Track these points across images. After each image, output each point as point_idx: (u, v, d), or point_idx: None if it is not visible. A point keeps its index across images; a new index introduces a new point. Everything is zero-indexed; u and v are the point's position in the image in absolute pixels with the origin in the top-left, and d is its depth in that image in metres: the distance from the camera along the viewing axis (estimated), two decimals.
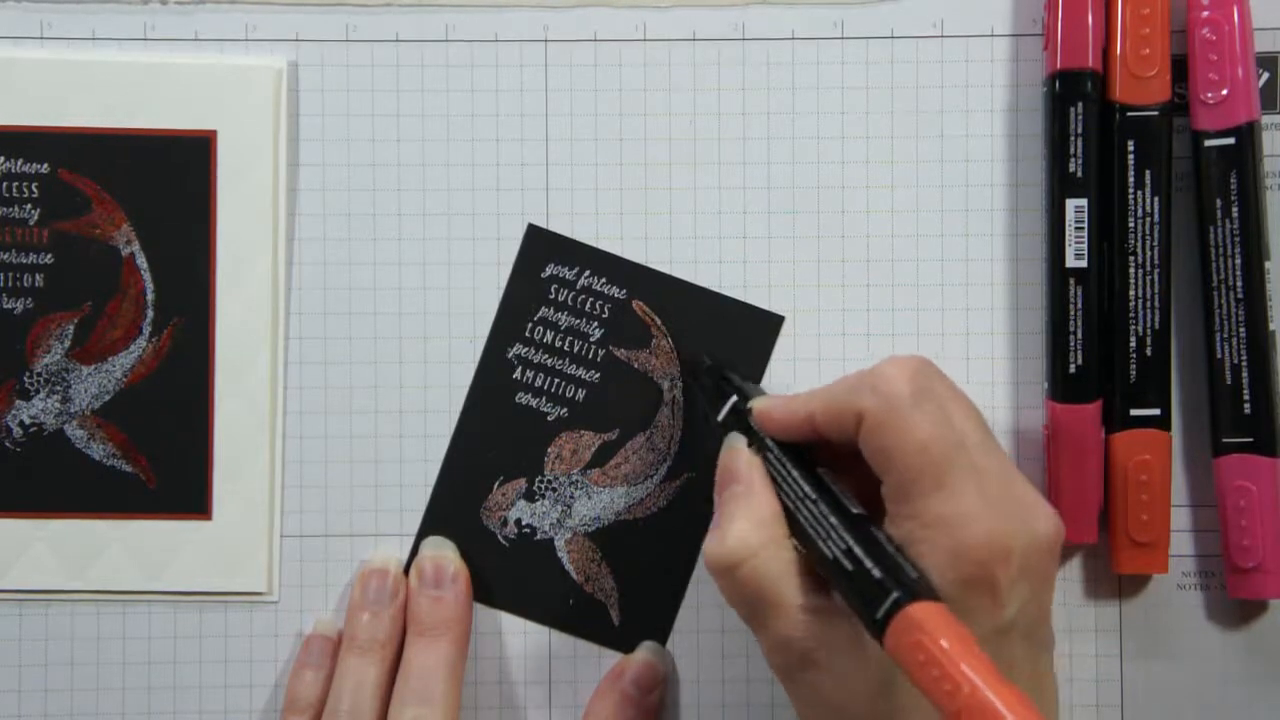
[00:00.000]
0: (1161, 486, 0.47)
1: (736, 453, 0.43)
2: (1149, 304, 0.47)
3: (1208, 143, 0.47)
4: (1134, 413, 0.47)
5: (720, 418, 0.45)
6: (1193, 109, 0.47)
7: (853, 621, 0.39)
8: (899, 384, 0.39)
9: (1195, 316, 0.48)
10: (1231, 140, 0.46)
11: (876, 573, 0.37)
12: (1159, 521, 0.47)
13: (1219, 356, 0.47)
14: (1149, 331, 0.47)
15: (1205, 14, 0.46)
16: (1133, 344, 0.47)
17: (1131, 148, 0.47)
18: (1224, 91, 0.46)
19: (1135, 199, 0.47)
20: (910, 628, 0.35)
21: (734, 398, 0.44)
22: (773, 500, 0.42)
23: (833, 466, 0.42)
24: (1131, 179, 0.47)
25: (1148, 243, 0.47)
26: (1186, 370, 0.48)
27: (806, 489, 0.41)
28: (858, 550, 0.38)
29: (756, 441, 0.43)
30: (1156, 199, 0.47)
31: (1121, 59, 0.46)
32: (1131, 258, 0.47)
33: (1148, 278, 0.47)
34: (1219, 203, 0.47)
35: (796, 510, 0.41)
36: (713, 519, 0.42)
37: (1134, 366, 0.47)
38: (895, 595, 0.36)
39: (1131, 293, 0.47)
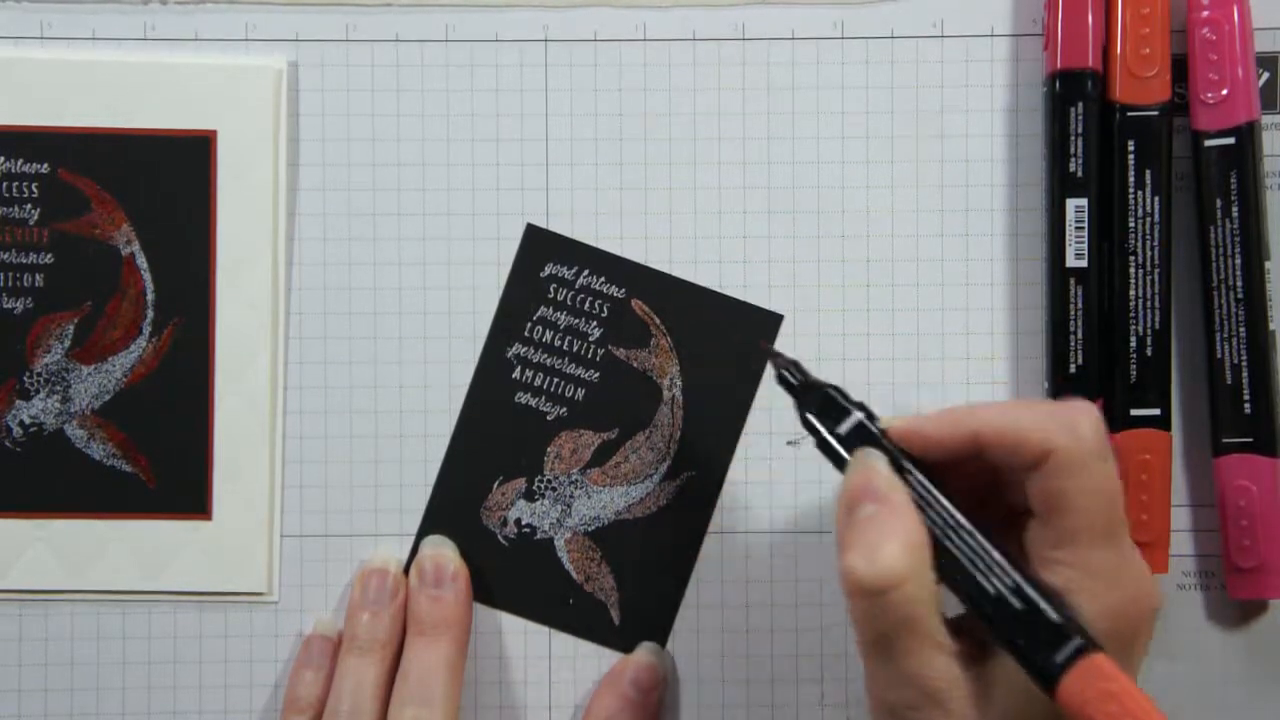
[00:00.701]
0: (1161, 486, 0.47)
1: (874, 471, 0.39)
2: (1149, 304, 0.47)
3: (1208, 143, 0.47)
4: (1134, 413, 0.47)
5: (844, 432, 0.40)
6: (1193, 109, 0.47)
7: (980, 666, 0.37)
8: (1092, 430, 0.37)
9: (1195, 316, 0.48)
10: (1231, 140, 0.46)
11: (1053, 615, 0.35)
12: (1159, 521, 0.47)
13: (1219, 356, 0.47)
14: (1149, 331, 0.47)
15: (1205, 14, 0.46)
16: (1133, 344, 0.47)
17: (1131, 148, 0.47)
18: (1224, 91, 0.46)
19: (1135, 199, 0.47)
20: (1100, 677, 0.34)
21: (858, 414, 0.40)
22: (920, 527, 0.37)
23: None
24: (1131, 179, 0.47)
25: (1148, 243, 0.47)
26: (1186, 370, 0.48)
27: (960, 519, 0.37)
28: (1028, 589, 0.36)
29: (894, 463, 0.39)
30: (1156, 199, 0.47)
31: (1121, 59, 0.46)
32: (1131, 258, 0.47)
33: (1148, 278, 0.47)
34: (1219, 203, 0.47)
35: (945, 539, 0.37)
36: (846, 538, 0.38)
37: (1134, 366, 0.47)
38: (1078, 642, 0.34)
39: (1131, 293, 0.47)
